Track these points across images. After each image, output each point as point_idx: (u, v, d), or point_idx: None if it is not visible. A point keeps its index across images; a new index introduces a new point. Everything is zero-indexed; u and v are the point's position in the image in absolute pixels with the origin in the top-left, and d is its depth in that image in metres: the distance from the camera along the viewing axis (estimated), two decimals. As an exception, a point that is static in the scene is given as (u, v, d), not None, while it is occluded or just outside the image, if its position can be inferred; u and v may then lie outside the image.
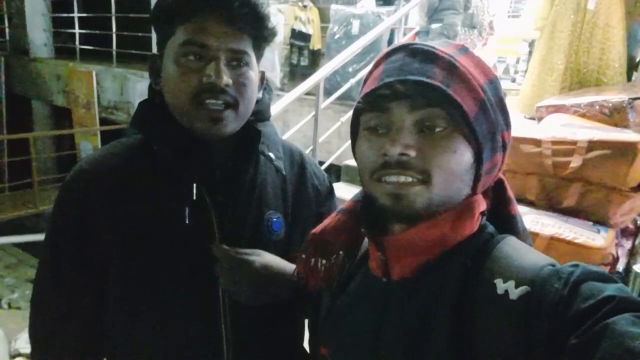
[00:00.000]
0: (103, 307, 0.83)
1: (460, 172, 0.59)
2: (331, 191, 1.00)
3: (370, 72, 0.65)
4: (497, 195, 0.68)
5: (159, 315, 0.81)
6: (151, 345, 0.82)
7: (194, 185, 0.80)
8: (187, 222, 0.79)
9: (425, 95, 0.57)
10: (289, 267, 0.82)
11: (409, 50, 0.61)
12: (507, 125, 0.64)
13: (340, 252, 0.72)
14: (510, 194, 0.69)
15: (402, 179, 0.57)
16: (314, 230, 0.74)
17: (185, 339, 0.81)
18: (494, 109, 0.61)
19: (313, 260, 0.73)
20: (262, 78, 0.88)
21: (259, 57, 0.84)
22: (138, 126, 0.83)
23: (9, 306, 4.57)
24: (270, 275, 0.80)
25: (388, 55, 0.64)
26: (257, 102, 0.86)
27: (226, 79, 0.75)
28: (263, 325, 0.86)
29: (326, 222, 0.74)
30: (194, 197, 0.79)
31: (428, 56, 0.60)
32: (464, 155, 0.59)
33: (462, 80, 0.59)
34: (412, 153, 0.57)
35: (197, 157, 0.80)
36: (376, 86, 0.60)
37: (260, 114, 0.88)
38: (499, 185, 0.68)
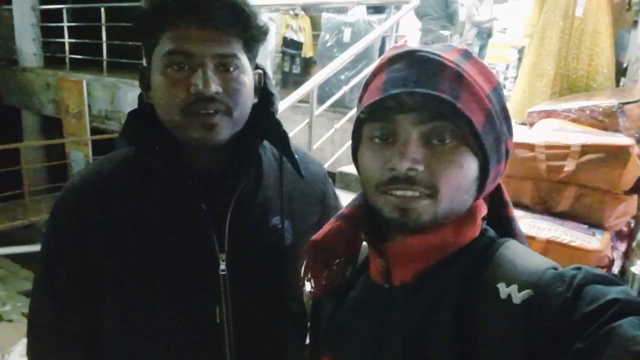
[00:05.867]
0: (100, 324, 0.81)
1: (466, 186, 0.59)
2: (328, 182, 0.97)
3: (372, 79, 0.63)
4: (494, 199, 0.68)
5: (156, 331, 0.78)
6: None
7: (190, 196, 0.77)
8: (184, 236, 0.77)
9: (433, 109, 0.56)
10: None
11: (414, 58, 0.59)
12: (510, 133, 0.63)
13: (342, 258, 0.72)
14: (507, 197, 0.69)
15: (410, 193, 0.57)
16: (314, 237, 0.73)
17: (185, 356, 0.79)
18: (499, 119, 0.60)
19: (314, 266, 0.72)
20: (260, 80, 0.84)
21: (252, 58, 0.79)
22: (128, 138, 0.81)
23: (1, 319, 4.50)
24: None
25: (390, 62, 0.61)
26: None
27: (215, 86, 0.71)
28: (268, 342, 0.83)
29: (326, 227, 0.73)
30: (190, 211, 0.77)
31: (434, 66, 0.58)
32: (471, 168, 0.58)
33: (470, 91, 0.57)
34: (420, 167, 0.56)
35: (190, 168, 0.78)
36: (381, 97, 0.58)
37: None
38: (496, 188, 0.68)
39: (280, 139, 0.84)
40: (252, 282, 0.80)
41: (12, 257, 5.75)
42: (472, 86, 0.58)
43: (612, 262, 1.59)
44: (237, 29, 0.74)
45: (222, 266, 0.78)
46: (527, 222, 1.69)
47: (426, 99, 0.56)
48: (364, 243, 0.72)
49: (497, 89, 0.61)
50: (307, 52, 6.26)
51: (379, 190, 0.60)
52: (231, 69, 0.74)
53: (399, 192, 0.57)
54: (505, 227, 0.67)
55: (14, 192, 6.32)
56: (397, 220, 0.59)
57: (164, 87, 0.73)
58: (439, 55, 0.59)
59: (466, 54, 0.61)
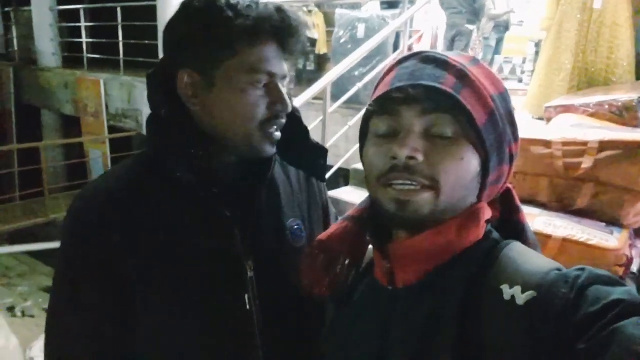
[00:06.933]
0: (124, 334, 0.79)
1: (466, 180, 0.59)
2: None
3: (382, 78, 0.66)
4: (506, 205, 0.69)
5: (186, 339, 0.77)
6: None
7: (215, 203, 0.78)
8: (208, 243, 0.77)
9: (436, 101, 0.58)
10: None
11: (422, 57, 0.63)
12: (516, 138, 0.64)
13: (346, 260, 0.72)
14: (518, 202, 0.69)
15: (409, 183, 0.58)
16: (319, 237, 0.74)
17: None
18: (503, 121, 0.61)
19: (318, 267, 0.73)
20: None
21: None
22: (154, 148, 0.80)
23: (23, 314, 4.60)
24: None
25: (400, 62, 0.65)
26: None
27: (291, 105, 0.80)
28: (298, 346, 0.83)
29: (332, 229, 0.74)
30: (214, 218, 0.78)
31: (440, 63, 0.61)
32: (471, 163, 0.59)
33: (473, 88, 0.60)
34: (420, 157, 0.57)
35: (215, 176, 0.79)
36: (388, 90, 0.61)
37: None
38: (507, 194, 0.68)
39: (315, 160, 0.89)
40: (278, 284, 0.80)
41: (33, 253, 5.87)
42: (476, 84, 0.60)
43: (630, 260, 1.56)
44: (298, 55, 0.83)
45: (250, 273, 0.79)
46: (543, 220, 1.67)
47: (429, 92, 0.58)
48: (370, 246, 0.73)
49: (503, 94, 0.63)
50: (321, 48, 6.24)
51: (380, 182, 0.61)
52: (286, 84, 0.81)
53: (399, 182, 0.58)
54: (516, 234, 0.67)
55: (35, 190, 6.46)
56: (395, 213, 0.59)
57: (243, 102, 0.76)
58: (446, 56, 0.62)
59: (475, 61, 0.64)
